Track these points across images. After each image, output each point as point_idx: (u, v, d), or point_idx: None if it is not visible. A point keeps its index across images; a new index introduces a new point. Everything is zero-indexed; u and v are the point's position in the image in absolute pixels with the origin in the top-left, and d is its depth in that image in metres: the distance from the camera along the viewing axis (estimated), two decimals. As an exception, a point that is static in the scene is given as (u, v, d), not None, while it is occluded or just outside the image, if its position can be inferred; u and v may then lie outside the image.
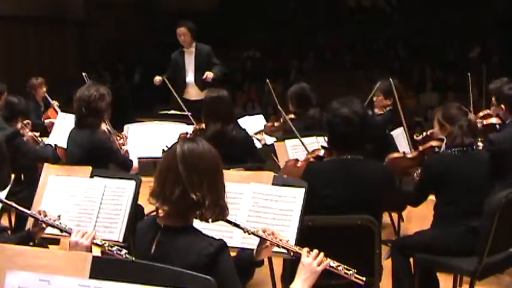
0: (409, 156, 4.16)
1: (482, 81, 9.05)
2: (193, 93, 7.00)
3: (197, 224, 2.32)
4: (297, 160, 4.10)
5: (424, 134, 4.48)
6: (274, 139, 5.17)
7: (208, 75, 6.83)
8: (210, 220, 2.27)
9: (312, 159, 3.88)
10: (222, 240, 2.22)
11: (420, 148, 4.13)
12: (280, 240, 2.50)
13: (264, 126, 5.77)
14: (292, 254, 2.48)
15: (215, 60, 6.98)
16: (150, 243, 2.24)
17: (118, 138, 4.68)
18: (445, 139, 3.80)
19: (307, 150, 4.35)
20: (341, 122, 3.20)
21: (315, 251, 2.39)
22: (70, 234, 2.78)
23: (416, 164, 4.12)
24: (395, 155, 4.16)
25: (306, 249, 2.42)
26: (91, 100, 4.12)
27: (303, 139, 4.51)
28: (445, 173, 3.64)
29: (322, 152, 3.90)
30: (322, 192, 3.15)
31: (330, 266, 2.41)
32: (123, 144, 4.78)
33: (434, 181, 3.68)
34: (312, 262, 2.37)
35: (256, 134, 5.60)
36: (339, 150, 3.28)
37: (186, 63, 6.99)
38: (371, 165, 3.28)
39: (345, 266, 2.46)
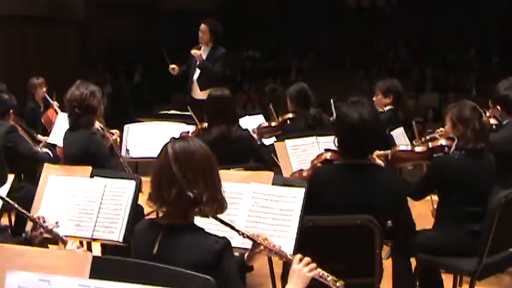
0: (417, 150, 4.10)
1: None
2: (198, 92, 6.97)
3: (198, 223, 2.32)
4: (301, 170, 4.03)
5: (423, 139, 4.41)
6: (274, 139, 5.15)
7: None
8: (209, 215, 2.28)
9: (319, 164, 3.81)
10: (225, 238, 2.22)
11: (430, 144, 4.07)
12: (274, 246, 2.49)
13: (258, 126, 5.71)
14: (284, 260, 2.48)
15: (216, 65, 6.81)
16: (152, 244, 2.24)
17: (111, 134, 4.67)
18: (456, 140, 3.76)
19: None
20: (350, 130, 3.11)
21: (307, 258, 2.37)
22: (65, 243, 2.79)
23: (422, 159, 4.08)
24: (403, 147, 4.11)
25: (298, 256, 2.40)
26: (82, 99, 4.11)
27: (303, 139, 4.51)
28: (453, 176, 3.61)
29: (328, 155, 3.84)
30: (330, 197, 3.10)
31: (320, 276, 2.39)
32: (117, 141, 4.77)
33: (442, 181, 3.65)
34: (301, 268, 2.36)
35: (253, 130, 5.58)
36: (347, 155, 3.22)
37: (198, 61, 6.93)
38: (384, 174, 3.21)
39: (334, 278, 2.45)
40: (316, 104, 5.47)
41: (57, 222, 2.96)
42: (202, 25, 6.85)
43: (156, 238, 2.24)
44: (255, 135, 5.53)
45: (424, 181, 3.81)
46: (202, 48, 6.87)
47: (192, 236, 2.21)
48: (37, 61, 12.71)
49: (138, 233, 2.36)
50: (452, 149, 3.82)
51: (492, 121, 4.76)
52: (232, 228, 2.44)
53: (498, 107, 4.61)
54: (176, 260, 2.12)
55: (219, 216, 2.36)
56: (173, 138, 2.32)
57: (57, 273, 1.79)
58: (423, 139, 4.20)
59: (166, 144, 2.29)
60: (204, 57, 6.83)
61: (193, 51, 6.75)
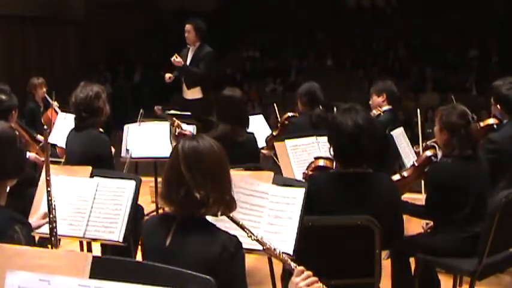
0: (406, 174, 4.04)
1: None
2: (187, 92, 6.98)
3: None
4: None
5: (424, 144, 4.38)
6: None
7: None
8: (218, 215, 2.29)
9: (310, 173, 3.74)
10: (236, 236, 2.23)
11: (416, 163, 4.03)
12: (280, 254, 2.43)
13: (266, 140, 5.73)
14: (286, 268, 2.44)
15: (201, 65, 6.79)
16: (165, 236, 2.24)
17: None
18: (442, 147, 3.74)
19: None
20: (345, 138, 3.08)
21: (307, 273, 2.31)
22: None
23: (418, 177, 4.05)
24: (394, 178, 4.04)
25: (300, 269, 2.32)
26: (88, 101, 4.12)
27: (303, 139, 4.51)
28: (449, 181, 3.58)
29: (321, 162, 3.81)
30: (327, 207, 3.08)
31: None
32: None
33: (442, 190, 3.61)
34: (299, 282, 2.29)
35: (262, 148, 5.64)
36: (344, 164, 3.18)
37: (187, 60, 6.94)
38: (381, 182, 3.18)
39: None
40: (324, 104, 5.48)
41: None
42: (187, 25, 6.87)
43: (169, 231, 2.24)
44: (265, 152, 5.60)
45: (429, 201, 3.71)
46: (190, 48, 6.89)
47: (204, 230, 2.23)
48: (37, 61, 12.72)
49: (150, 227, 2.36)
50: (439, 157, 3.80)
51: (492, 121, 4.76)
52: (243, 228, 2.43)
53: (498, 106, 4.60)
54: (188, 253, 2.15)
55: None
56: (184, 137, 2.33)
57: (57, 273, 1.79)
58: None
59: (177, 144, 2.30)
60: (190, 56, 6.85)
61: (173, 60, 6.77)
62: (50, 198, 2.94)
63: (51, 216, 2.94)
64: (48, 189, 2.93)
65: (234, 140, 4.33)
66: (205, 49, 6.89)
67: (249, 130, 4.65)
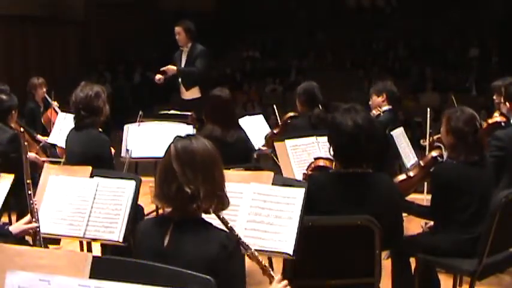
0: (412, 174, 4.03)
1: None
2: (185, 92, 6.99)
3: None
4: None
5: (431, 139, 4.38)
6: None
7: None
8: (211, 211, 2.29)
9: (310, 173, 3.73)
10: (234, 234, 2.27)
11: (422, 163, 4.02)
12: (261, 261, 2.46)
13: (266, 137, 5.75)
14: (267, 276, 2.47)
15: (197, 63, 6.81)
16: (162, 237, 2.25)
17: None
18: (448, 149, 3.74)
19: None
20: (346, 138, 3.08)
21: (285, 282, 2.38)
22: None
23: (423, 178, 4.05)
24: (400, 178, 4.05)
25: (278, 277, 2.40)
26: (87, 100, 4.13)
27: (303, 139, 4.51)
28: (453, 182, 3.57)
29: (321, 162, 3.81)
30: (328, 208, 3.08)
31: None
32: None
33: (445, 190, 3.60)
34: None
35: (263, 146, 5.65)
36: (344, 164, 3.18)
37: (181, 63, 6.97)
38: (381, 182, 3.17)
39: None
40: (323, 103, 5.48)
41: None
42: (176, 27, 6.89)
43: (166, 232, 2.25)
44: (264, 148, 5.60)
45: (433, 201, 3.71)
46: (183, 50, 6.90)
47: (202, 229, 2.23)
48: (37, 61, 12.72)
49: (144, 229, 2.37)
50: (445, 158, 3.80)
51: (499, 118, 4.78)
52: (231, 230, 2.43)
53: (508, 104, 4.64)
54: (186, 253, 2.16)
55: (221, 214, 2.37)
56: (177, 136, 2.34)
57: (57, 273, 1.79)
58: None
59: (170, 144, 2.32)
60: (185, 58, 6.86)
61: (166, 72, 6.78)
62: (31, 201, 2.97)
63: (34, 219, 2.97)
64: (29, 192, 2.95)
65: (223, 140, 4.32)
66: (198, 48, 6.91)
67: (246, 130, 4.65)
